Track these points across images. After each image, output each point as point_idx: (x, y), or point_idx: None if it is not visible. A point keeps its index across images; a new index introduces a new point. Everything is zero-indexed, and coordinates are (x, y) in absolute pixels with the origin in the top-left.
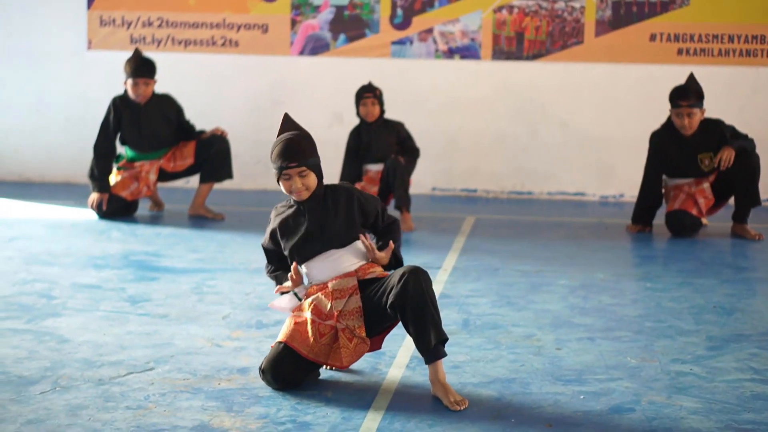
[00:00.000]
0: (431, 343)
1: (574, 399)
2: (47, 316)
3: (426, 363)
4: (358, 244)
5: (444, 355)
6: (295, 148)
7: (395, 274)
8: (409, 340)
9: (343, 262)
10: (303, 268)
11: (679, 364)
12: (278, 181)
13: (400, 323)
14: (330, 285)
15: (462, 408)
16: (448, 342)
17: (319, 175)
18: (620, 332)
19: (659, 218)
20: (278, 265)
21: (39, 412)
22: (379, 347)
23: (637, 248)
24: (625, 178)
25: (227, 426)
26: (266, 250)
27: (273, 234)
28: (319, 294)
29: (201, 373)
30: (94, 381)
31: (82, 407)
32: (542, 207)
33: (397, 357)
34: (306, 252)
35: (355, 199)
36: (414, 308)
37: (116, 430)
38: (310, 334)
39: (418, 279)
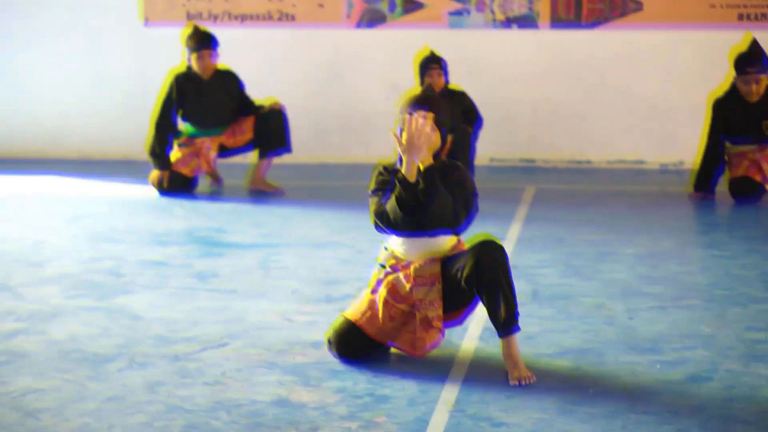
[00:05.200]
0: (502, 317)
1: (650, 368)
2: (117, 294)
3: (499, 337)
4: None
5: (515, 330)
6: (430, 96)
7: (470, 249)
8: (479, 312)
9: (433, 244)
10: (389, 238)
11: (754, 331)
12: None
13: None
14: (412, 268)
15: (525, 383)
16: (520, 313)
17: (442, 140)
18: (691, 300)
19: (721, 185)
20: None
21: (118, 389)
22: (460, 323)
23: (701, 215)
24: (684, 145)
25: (305, 400)
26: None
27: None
28: (399, 274)
29: (275, 348)
30: (170, 357)
31: (160, 384)
32: (602, 175)
33: (469, 329)
34: (401, 226)
35: (467, 186)
36: (486, 282)
37: (196, 405)
38: (380, 315)
39: (492, 252)
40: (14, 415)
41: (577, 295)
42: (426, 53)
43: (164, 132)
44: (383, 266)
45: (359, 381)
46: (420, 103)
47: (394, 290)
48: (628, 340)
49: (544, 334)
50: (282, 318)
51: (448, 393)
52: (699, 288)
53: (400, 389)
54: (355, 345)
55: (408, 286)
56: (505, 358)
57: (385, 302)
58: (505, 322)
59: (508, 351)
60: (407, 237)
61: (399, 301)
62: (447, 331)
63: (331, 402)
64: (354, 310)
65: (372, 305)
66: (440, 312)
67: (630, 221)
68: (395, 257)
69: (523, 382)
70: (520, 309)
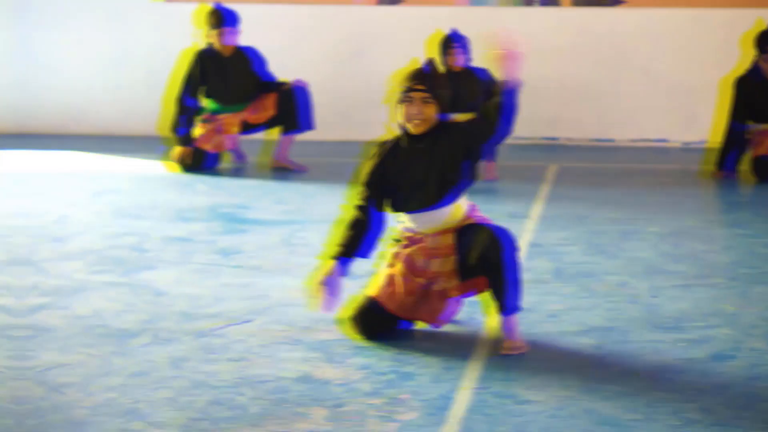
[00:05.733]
0: (504, 301)
1: (674, 347)
2: (141, 269)
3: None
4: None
5: (516, 311)
6: (427, 74)
7: (477, 233)
8: None
9: (441, 216)
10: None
11: None
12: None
13: None
14: (427, 241)
15: (513, 353)
16: (542, 291)
17: (441, 114)
18: (715, 279)
19: (744, 164)
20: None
21: (143, 365)
22: (480, 292)
23: (724, 194)
24: (707, 124)
25: (330, 376)
26: (365, 186)
27: (378, 169)
28: (414, 248)
29: (299, 325)
30: (194, 333)
31: (184, 359)
32: (625, 154)
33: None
34: (406, 205)
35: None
36: (490, 270)
37: (221, 381)
38: (399, 290)
39: (495, 243)
40: (39, 390)
41: (601, 273)
42: (444, 34)
43: (186, 109)
44: (398, 241)
45: (383, 358)
46: (415, 80)
47: (410, 264)
48: (651, 318)
49: (567, 311)
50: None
51: (472, 371)
52: (722, 267)
53: (424, 366)
54: (377, 321)
55: (423, 260)
56: (502, 329)
57: (403, 277)
58: (507, 306)
59: (506, 325)
60: (414, 213)
61: (416, 275)
62: (470, 309)
63: (356, 379)
64: (373, 286)
65: (390, 280)
66: (456, 282)
67: (653, 200)
68: (409, 231)
69: (514, 353)
70: (544, 287)
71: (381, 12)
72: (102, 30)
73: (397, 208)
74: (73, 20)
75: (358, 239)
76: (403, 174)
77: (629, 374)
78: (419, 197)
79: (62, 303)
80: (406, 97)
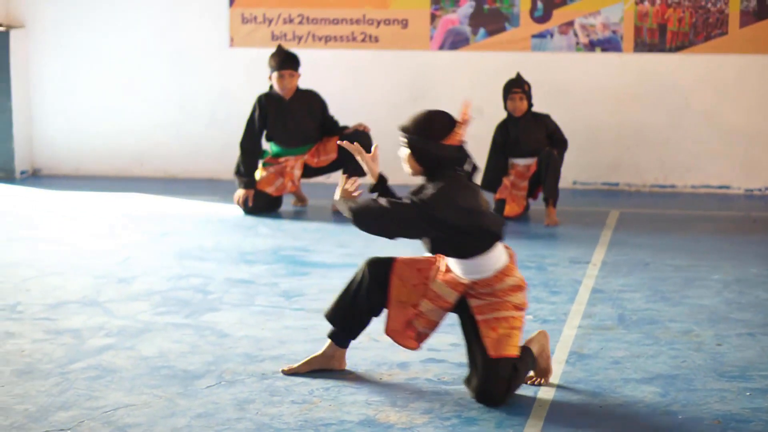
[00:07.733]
0: None
1: (740, 395)
2: (205, 311)
3: None
4: None
5: None
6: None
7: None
8: (565, 336)
9: None
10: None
11: None
12: None
13: None
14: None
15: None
16: (606, 338)
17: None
18: None
19: None
20: None
21: (207, 406)
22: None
23: None
24: None
25: (393, 421)
26: None
27: None
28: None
29: (362, 368)
30: (258, 375)
31: (248, 401)
32: (686, 200)
33: (556, 353)
34: None
35: None
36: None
37: (284, 424)
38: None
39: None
40: (106, 430)
41: (664, 320)
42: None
43: (248, 152)
44: None
45: (446, 402)
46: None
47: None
48: (716, 366)
49: (631, 359)
50: (368, 338)
51: (536, 417)
52: None
53: (487, 411)
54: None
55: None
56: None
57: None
58: None
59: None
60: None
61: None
62: None
63: (419, 423)
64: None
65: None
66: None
67: (715, 247)
68: None
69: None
70: (607, 333)
71: (442, 57)
72: (166, 73)
73: None
74: (138, 63)
75: None
76: None
77: (694, 423)
78: None
79: (128, 344)
80: None
